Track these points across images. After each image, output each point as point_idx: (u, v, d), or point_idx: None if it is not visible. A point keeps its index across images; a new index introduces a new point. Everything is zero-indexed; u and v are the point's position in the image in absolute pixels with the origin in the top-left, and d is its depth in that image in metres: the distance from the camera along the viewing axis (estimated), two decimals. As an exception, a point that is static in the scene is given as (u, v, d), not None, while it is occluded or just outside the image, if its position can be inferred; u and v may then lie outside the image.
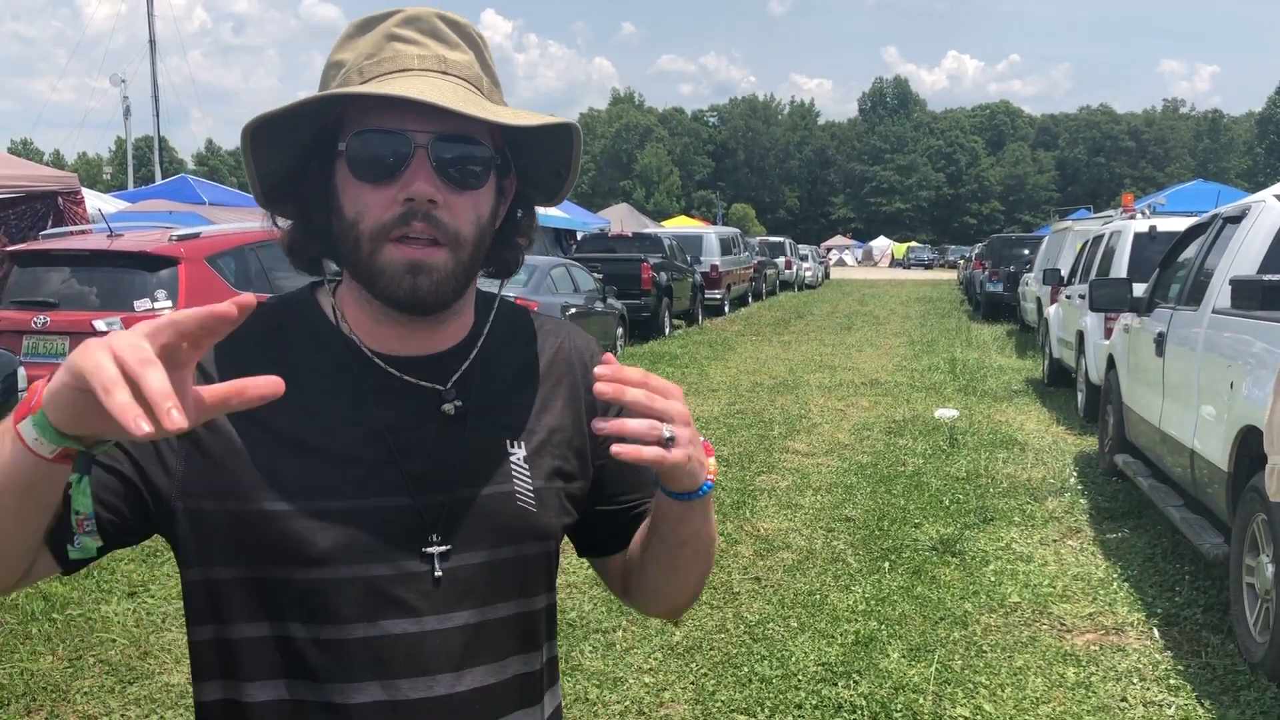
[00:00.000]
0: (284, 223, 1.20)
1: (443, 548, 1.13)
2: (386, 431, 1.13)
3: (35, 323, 6.82)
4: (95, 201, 13.45)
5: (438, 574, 1.12)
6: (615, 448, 0.99)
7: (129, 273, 7.00)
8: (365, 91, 1.07)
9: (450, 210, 1.10)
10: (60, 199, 10.12)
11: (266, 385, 0.86)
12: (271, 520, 1.09)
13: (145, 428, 0.77)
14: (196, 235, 7.54)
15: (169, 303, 6.78)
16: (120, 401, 0.77)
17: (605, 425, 1.01)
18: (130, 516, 1.08)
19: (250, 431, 1.10)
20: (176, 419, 0.77)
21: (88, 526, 1.03)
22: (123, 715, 3.89)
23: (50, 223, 9.78)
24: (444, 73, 1.12)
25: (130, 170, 36.99)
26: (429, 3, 1.18)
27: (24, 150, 73.20)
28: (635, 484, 1.30)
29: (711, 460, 1.11)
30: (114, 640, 4.55)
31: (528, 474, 1.19)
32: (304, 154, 1.14)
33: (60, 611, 4.85)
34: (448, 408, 1.17)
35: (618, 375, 1.01)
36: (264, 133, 1.09)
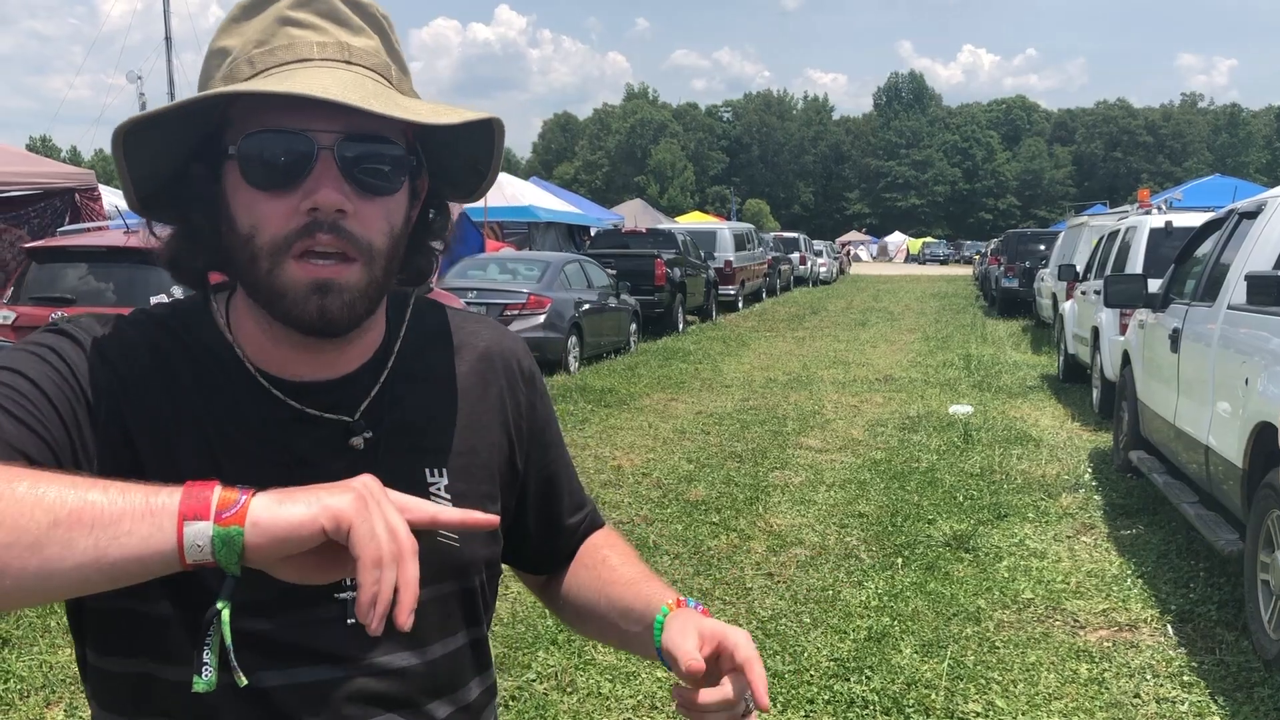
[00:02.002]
0: (161, 230, 1.06)
1: (353, 594, 0.93)
2: (295, 466, 1.01)
3: (53, 318, 6.87)
4: (112, 198, 13.52)
5: (350, 621, 1.03)
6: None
7: (145, 269, 7.04)
8: (263, 90, 0.92)
9: (360, 220, 0.97)
10: (78, 195, 10.19)
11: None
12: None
13: (376, 628, 0.81)
14: (212, 231, 7.58)
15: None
16: (385, 583, 0.81)
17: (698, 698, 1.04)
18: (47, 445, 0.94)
19: (156, 453, 0.99)
20: (406, 626, 0.82)
21: (231, 661, 0.90)
22: (140, 708, 3.92)
23: (68, 219, 9.85)
24: (348, 62, 0.99)
25: (147, 167, 37.13)
26: None
27: (42, 147, 73.63)
28: (574, 505, 1.29)
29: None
30: None
31: (449, 504, 1.08)
32: (185, 154, 1.01)
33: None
34: (356, 441, 1.05)
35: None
36: (139, 135, 0.95)
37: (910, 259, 74.56)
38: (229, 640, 0.88)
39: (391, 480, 0.97)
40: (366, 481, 0.85)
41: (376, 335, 1.11)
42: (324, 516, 0.80)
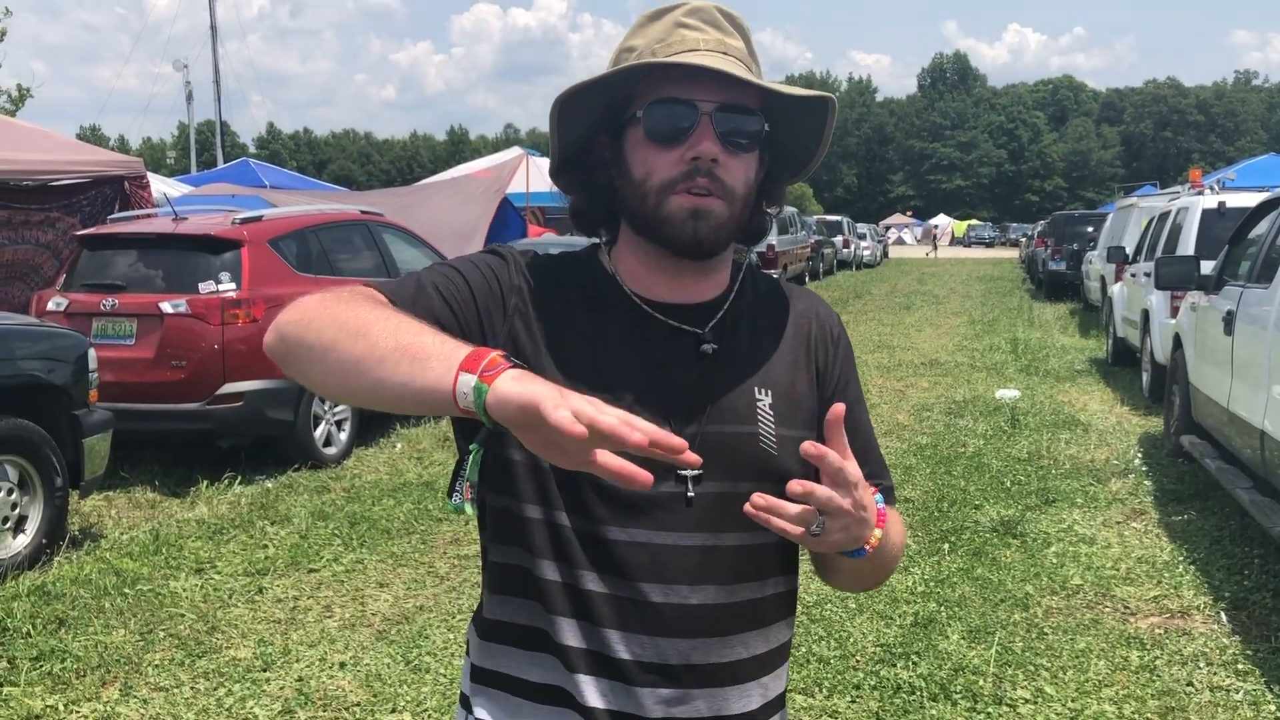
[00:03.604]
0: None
1: (695, 472, 1.27)
2: (652, 367, 1.29)
3: (104, 305, 6.96)
4: (160, 186, 13.69)
5: (690, 494, 1.27)
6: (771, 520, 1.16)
7: (194, 255, 7.12)
8: (668, 61, 1.24)
9: (728, 169, 1.26)
10: (127, 184, 10.30)
11: (640, 478, 0.96)
12: None
13: (579, 429, 0.91)
14: (259, 218, 7.64)
15: (233, 284, 6.90)
16: (564, 415, 0.92)
17: (794, 486, 1.13)
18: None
19: (547, 344, 1.29)
20: (683, 452, 0.96)
21: (471, 494, 1.17)
22: (192, 688, 3.99)
23: (117, 207, 9.97)
24: (724, 54, 1.27)
25: (193, 154, 37.68)
26: None
27: (91, 136, 74.71)
28: (868, 471, 1.31)
29: (878, 532, 1.22)
30: (183, 615, 4.66)
31: (771, 419, 1.32)
32: (592, 128, 1.32)
33: (131, 587, 4.97)
34: (706, 348, 1.31)
35: (823, 457, 1.13)
36: (568, 106, 1.27)
37: (955, 242, 73.73)
38: (474, 478, 1.16)
39: (727, 387, 1.31)
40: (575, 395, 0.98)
41: (723, 278, 1.38)
42: (522, 397, 0.96)
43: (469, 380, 1.01)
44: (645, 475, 0.95)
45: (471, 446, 1.17)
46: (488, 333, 1.28)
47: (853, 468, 1.15)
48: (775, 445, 1.31)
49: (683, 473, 1.27)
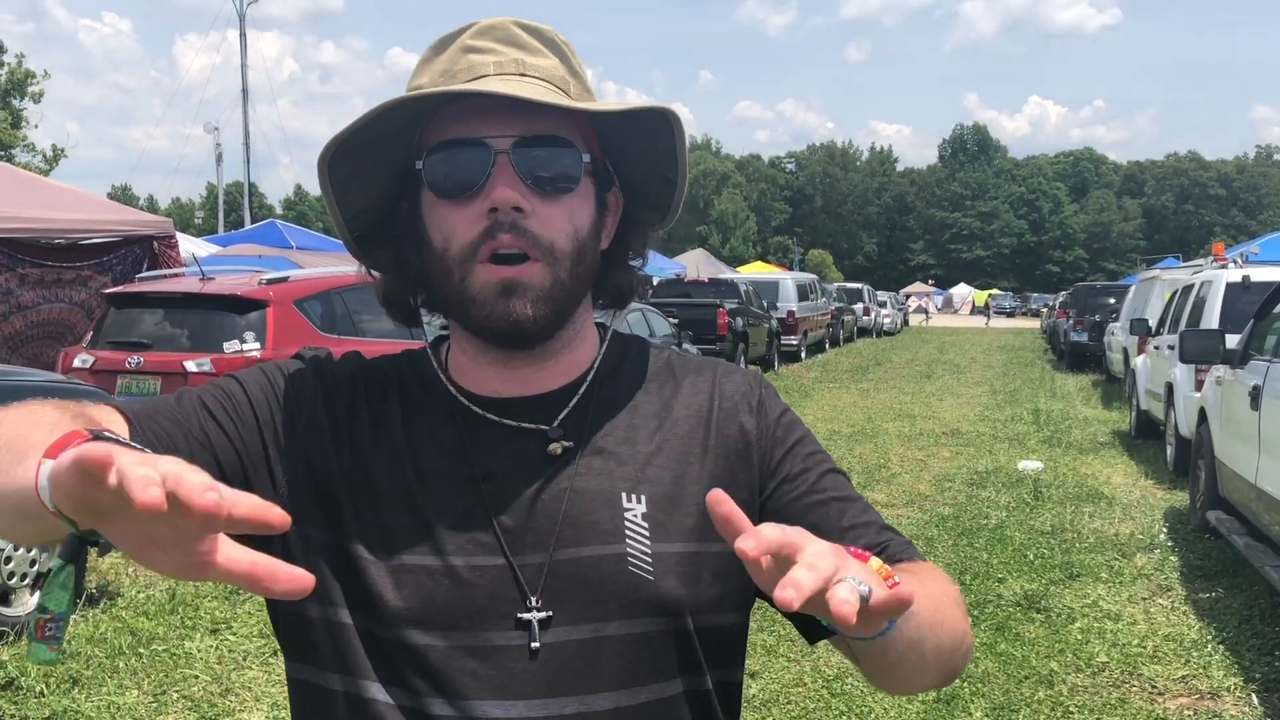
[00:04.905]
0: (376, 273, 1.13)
1: (542, 614, 0.98)
2: (482, 480, 1.02)
3: (129, 363, 7.02)
4: (188, 245, 13.89)
5: (534, 645, 0.97)
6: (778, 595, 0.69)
7: (219, 315, 7.19)
8: (425, 93, 0.97)
9: (540, 219, 1.00)
10: (156, 243, 10.46)
11: (292, 582, 0.67)
12: (352, 565, 0.99)
13: (154, 493, 0.60)
14: (285, 279, 7.73)
15: (257, 344, 6.95)
16: (128, 468, 0.62)
17: (746, 547, 0.71)
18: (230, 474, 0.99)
19: (350, 465, 1.03)
20: (202, 502, 0.62)
21: (50, 630, 0.85)
22: (204, 752, 3.94)
23: (146, 265, 10.11)
24: (521, 75, 1.02)
25: (221, 215, 38.21)
26: (508, 13, 1.09)
27: (122, 195, 75.86)
28: (840, 530, 1.04)
29: (875, 561, 0.83)
30: (196, 676, 4.63)
31: (645, 533, 1.01)
32: (390, 193, 1.07)
33: (146, 647, 4.94)
34: (553, 448, 1.03)
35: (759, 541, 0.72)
36: (344, 167, 1.01)
37: (976, 311, 73.68)
38: (60, 607, 0.84)
39: (587, 498, 1.01)
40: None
41: (582, 357, 1.10)
42: (80, 453, 0.65)
43: (47, 466, 0.71)
44: (281, 518, 0.65)
45: (54, 563, 0.84)
46: (272, 456, 1.02)
47: (792, 536, 0.74)
48: (650, 567, 1.00)
49: (524, 615, 0.97)
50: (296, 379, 1.07)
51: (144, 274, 9.18)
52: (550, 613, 0.98)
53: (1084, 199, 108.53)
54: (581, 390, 1.08)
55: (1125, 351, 15.10)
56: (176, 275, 8.64)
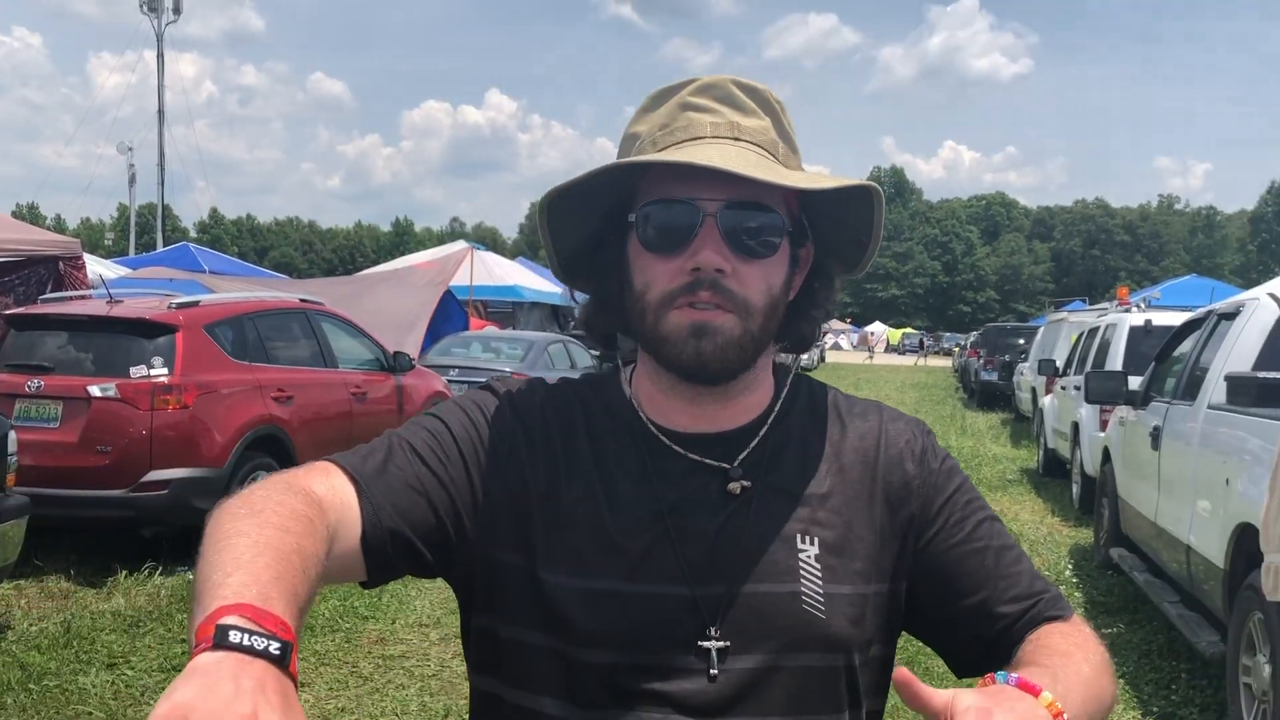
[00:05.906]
0: (581, 297, 1.21)
1: (721, 643, 1.04)
2: (667, 513, 1.08)
3: (29, 386, 6.79)
4: (96, 267, 13.50)
5: (713, 672, 1.03)
6: None
7: (127, 339, 6.98)
8: (646, 160, 1.05)
9: (739, 279, 1.06)
10: (61, 264, 10.15)
11: None
12: (542, 588, 1.07)
13: None
14: (196, 303, 7.55)
15: (165, 370, 6.77)
16: None
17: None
18: (431, 548, 1.08)
19: (547, 492, 1.10)
20: None
21: None
22: (95, 792, 3.79)
23: (50, 287, 9.81)
24: (736, 139, 1.08)
25: (132, 237, 37.29)
26: (727, 71, 1.17)
27: (28, 215, 73.74)
28: (1006, 592, 1.13)
29: (1046, 695, 0.91)
30: (90, 713, 4.46)
31: (818, 574, 1.08)
32: (600, 227, 1.13)
33: (37, 682, 4.75)
34: (733, 486, 1.09)
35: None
36: (560, 206, 1.09)
37: (890, 349, 75.08)
38: None
39: (761, 536, 1.08)
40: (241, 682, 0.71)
41: (761, 398, 1.16)
42: (165, 712, 0.68)
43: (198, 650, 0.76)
44: None
45: None
46: (476, 488, 1.10)
47: (963, 698, 0.88)
48: (823, 607, 1.07)
49: (705, 644, 1.04)
50: (493, 413, 1.15)
51: (48, 295, 8.89)
52: (728, 642, 1.04)
53: (996, 242, 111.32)
54: (762, 432, 1.13)
55: (1034, 391, 15.49)
56: (83, 297, 8.39)
